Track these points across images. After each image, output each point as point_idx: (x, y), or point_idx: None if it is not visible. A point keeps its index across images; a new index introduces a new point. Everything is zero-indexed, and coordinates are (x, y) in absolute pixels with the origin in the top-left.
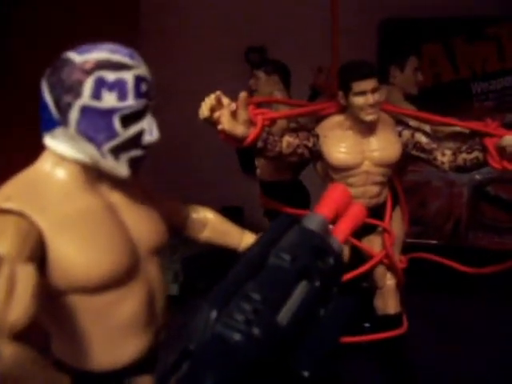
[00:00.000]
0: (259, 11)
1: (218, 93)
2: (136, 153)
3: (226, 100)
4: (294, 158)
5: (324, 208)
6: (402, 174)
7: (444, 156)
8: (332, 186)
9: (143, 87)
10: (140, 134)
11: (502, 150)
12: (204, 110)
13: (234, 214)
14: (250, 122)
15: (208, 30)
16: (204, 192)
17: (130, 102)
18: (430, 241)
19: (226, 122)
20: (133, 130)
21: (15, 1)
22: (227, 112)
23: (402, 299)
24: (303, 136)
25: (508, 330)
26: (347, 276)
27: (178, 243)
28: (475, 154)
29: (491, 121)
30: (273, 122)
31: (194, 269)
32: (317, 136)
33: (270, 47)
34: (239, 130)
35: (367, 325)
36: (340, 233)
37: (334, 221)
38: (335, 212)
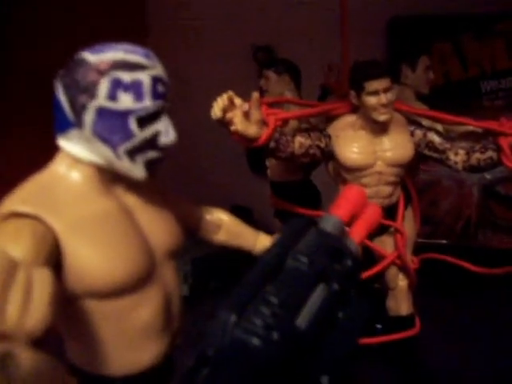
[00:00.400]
0: (268, 10)
1: (231, 93)
2: (152, 154)
3: (238, 100)
4: (306, 159)
5: (340, 209)
6: (414, 174)
7: (457, 156)
8: (347, 186)
9: (159, 88)
10: (156, 136)
11: None
12: (216, 111)
13: (243, 214)
14: (263, 123)
15: (215, 29)
16: (212, 192)
17: (147, 103)
18: (441, 240)
19: (238, 123)
20: (149, 131)
21: (15, 1)
22: (240, 112)
23: (414, 300)
24: (315, 136)
25: None
26: (368, 273)
27: (188, 244)
28: (489, 153)
29: (506, 120)
30: (285, 122)
31: (204, 270)
32: (329, 136)
33: (278, 46)
34: (252, 130)
35: (379, 326)
36: (356, 234)
37: (350, 222)
38: (351, 213)
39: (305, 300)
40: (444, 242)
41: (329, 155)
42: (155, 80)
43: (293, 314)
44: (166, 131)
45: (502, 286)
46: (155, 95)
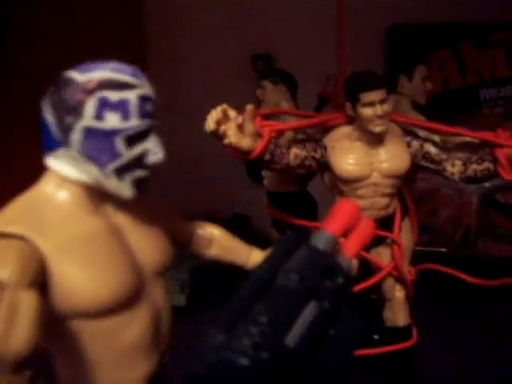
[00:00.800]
0: (266, 19)
1: (224, 106)
2: (140, 173)
3: (232, 113)
4: (302, 170)
5: (333, 225)
6: (411, 184)
7: (454, 167)
8: (340, 201)
9: (147, 107)
10: (144, 155)
11: None
12: (210, 123)
13: (243, 222)
14: (257, 135)
15: (215, 38)
16: (214, 202)
17: (134, 122)
18: (440, 249)
19: (232, 136)
20: (137, 150)
21: (15, 1)
22: (233, 125)
23: (411, 311)
24: (311, 147)
25: None
26: (356, 288)
27: (185, 254)
28: (486, 164)
29: (502, 131)
30: (280, 133)
31: (201, 279)
32: (324, 147)
33: (277, 55)
34: (245, 143)
35: (376, 337)
36: (349, 250)
37: (344, 235)
38: (344, 228)
39: (295, 318)
40: (443, 250)
41: (324, 166)
42: (143, 99)
43: (282, 332)
44: (154, 150)
45: (499, 297)
46: (143, 114)
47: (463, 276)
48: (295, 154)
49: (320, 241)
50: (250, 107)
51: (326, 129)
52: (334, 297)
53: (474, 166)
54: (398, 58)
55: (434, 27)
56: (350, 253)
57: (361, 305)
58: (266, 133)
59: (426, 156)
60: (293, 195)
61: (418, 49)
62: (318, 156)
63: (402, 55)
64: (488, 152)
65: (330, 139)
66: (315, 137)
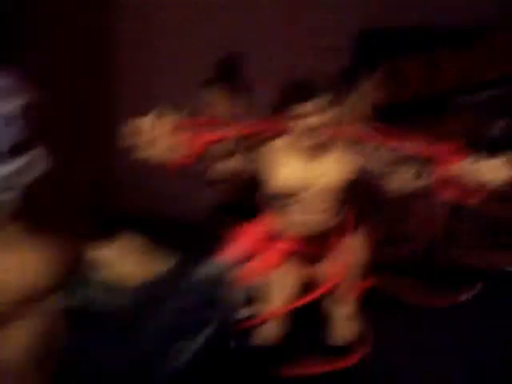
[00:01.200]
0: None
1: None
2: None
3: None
4: (234, 183)
5: (232, 252)
6: (364, 197)
7: (395, 182)
8: (242, 228)
9: (15, 123)
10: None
11: (453, 179)
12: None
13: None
14: (190, 147)
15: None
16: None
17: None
18: (405, 257)
19: (157, 153)
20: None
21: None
22: (159, 142)
23: (370, 317)
24: (244, 159)
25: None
26: (298, 303)
27: None
28: (424, 181)
29: (445, 146)
30: (211, 144)
31: None
32: (258, 160)
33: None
34: (173, 157)
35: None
36: (247, 277)
37: (247, 261)
38: (245, 255)
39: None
40: (409, 259)
41: (257, 179)
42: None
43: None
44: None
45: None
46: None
47: (408, 296)
48: (226, 166)
49: (212, 269)
50: (173, 119)
51: (261, 140)
52: (216, 327)
53: (413, 182)
54: (366, 63)
55: (408, 31)
56: (246, 280)
57: (301, 321)
58: (196, 145)
59: (368, 171)
60: (234, 206)
61: (390, 52)
62: (251, 168)
63: (373, 57)
64: (429, 168)
65: (265, 151)
66: (252, 148)
